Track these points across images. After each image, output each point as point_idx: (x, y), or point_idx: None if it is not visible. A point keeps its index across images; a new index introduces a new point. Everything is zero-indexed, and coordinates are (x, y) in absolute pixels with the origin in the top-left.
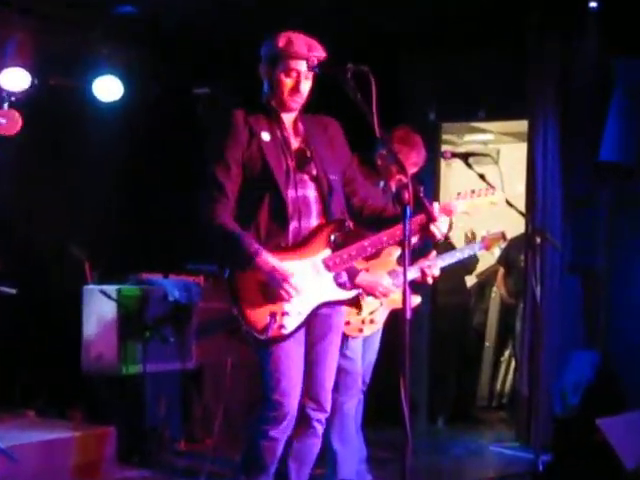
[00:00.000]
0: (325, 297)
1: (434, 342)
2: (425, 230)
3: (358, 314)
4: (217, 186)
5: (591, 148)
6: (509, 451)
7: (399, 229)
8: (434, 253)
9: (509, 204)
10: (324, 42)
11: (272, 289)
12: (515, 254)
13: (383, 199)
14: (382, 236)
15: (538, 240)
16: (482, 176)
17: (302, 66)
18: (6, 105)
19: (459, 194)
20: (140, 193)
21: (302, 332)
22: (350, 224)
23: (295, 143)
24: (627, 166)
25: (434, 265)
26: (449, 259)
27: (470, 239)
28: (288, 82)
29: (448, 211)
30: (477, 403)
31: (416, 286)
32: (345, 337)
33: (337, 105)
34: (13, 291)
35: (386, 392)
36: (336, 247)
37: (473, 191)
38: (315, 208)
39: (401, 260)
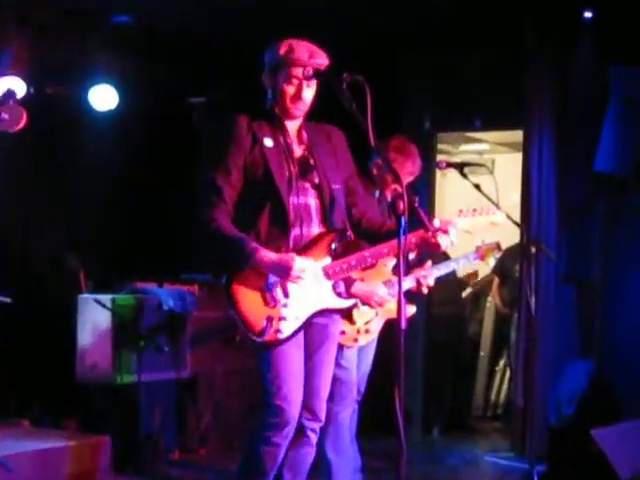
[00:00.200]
0: (322, 304)
1: (429, 352)
2: (427, 244)
3: (353, 324)
4: (215, 190)
5: (587, 158)
6: (504, 461)
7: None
8: (429, 263)
9: (504, 215)
10: (324, 46)
11: (268, 293)
12: (510, 264)
13: (379, 208)
14: (383, 248)
15: (533, 250)
16: (477, 186)
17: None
18: (11, 101)
19: (461, 211)
20: (135, 202)
21: (302, 337)
22: (351, 234)
23: (298, 151)
24: (622, 177)
25: (429, 275)
26: (444, 269)
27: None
28: (290, 90)
29: (452, 225)
30: (472, 413)
31: (411, 296)
32: (340, 347)
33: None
34: (8, 300)
35: (381, 402)
36: (336, 256)
37: (475, 210)
38: (316, 216)
39: (396, 270)
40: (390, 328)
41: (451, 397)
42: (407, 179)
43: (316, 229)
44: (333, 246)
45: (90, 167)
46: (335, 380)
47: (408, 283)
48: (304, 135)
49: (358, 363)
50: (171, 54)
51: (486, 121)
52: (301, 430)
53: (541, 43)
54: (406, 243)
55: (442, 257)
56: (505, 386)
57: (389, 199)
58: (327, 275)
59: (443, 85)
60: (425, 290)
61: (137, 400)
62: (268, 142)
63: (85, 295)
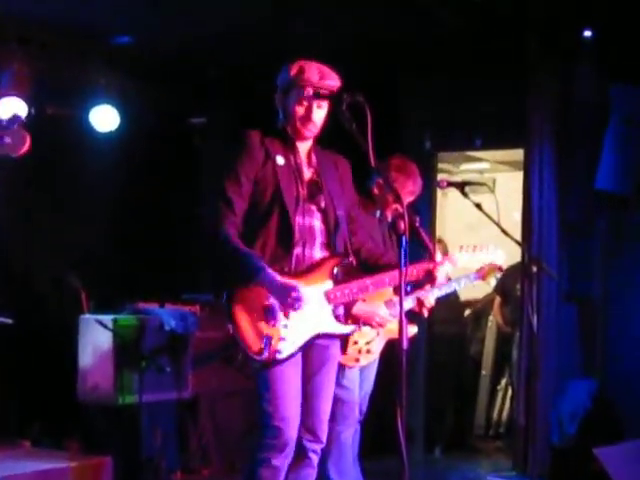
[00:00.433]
0: (321, 328)
1: (431, 371)
2: (429, 277)
3: (355, 344)
4: (226, 201)
5: (587, 176)
6: None
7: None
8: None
9: (505, 233)
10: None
11: (269, 313)
12: (511, 283)
13: (380, 228)
14: (384, 277)
15: (534, 269)
16: (478, 205)
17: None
18: (16, 126)
19: (461, 247)
20: (137, 222)
21: (299, 358)
22: (353, 260)
23: (307, 173)
24: (622, 195)
25: (430, 294)
26: (445, 289)
27: None
28: (300, 110)
29: (451, 261)
30: (474, 432)
31: (413, 316)
32: (342, 367)
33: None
34: (9, 321)
35: (383, 421)
36: (338, 281)
37: (475, 246)
38: (319, 239)
39: (398, 290)
40: (391, 348)
41: (453, 416)
42: (408, 199)
43: (318, 251)
44: (335, 271)
45: (91, 187)
46: (337, 400)
47: (409, 303)
48: (313, 158)
49: (360, 383)
50: (172, 75)
51: (486, 140)
52: (302, 451)
53: (541, 62)
54: (408, 274)
55: None
56: (507, 405)
57: (389, 219)
58: (328, 299)
59: (443, 104)
60: (426, 313)
61: (138, 421)
62: (280, 160)
63: (86, 316)
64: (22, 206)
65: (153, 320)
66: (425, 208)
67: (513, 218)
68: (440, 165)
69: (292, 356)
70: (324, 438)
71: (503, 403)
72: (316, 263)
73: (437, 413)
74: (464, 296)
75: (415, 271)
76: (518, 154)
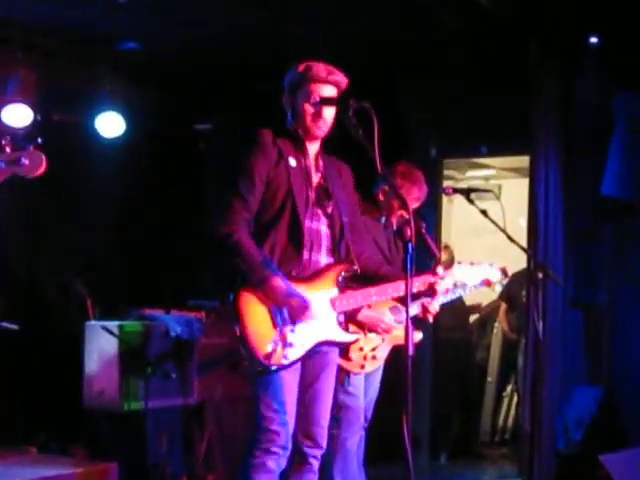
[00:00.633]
0: (326, 335)
1: (436, 378)
2: (430, 290)
3: (360, 350)
4: (239, 199)
5: (593, 183)
6: None
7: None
8: None
9: (511, 240)
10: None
11: (277, 316)
12: (517, 289)
13: (384, 235)
14: (388, 287)
15: (540, 275)
16: (484, 212)
17: (323, 91)
18: (32, 147)
19: (459, 262)
20: (142, 229)
21: (299, 364)
22: (358, 267)
23: (315, 177)
24: (628, 201)
25: (436, 301)
26: (451, 295)
27: None
28: (309, 108)
29: (452, 276)
30: (480, 439)
31: (418, 322)
32: (347, 373)
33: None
34: (15, 327)
35: (388, 428)
36: (342, 288)
37: (472, 263)
38: (325, 244)
39: (402, 297)
40: (397, 354)
41: (459, 423)
42: (413, 205)
43: (323, 256)
44: (341, 278)
45: (97, 193)
46: (342, 406)
47: (414, 309)
48: (321, 163)
49: (365, 389)
50: (177, 81)
51: (492, 147)
52: (303, 457)
53: (547, 68)
54: (411, 286)
55: None
56: (513, 412)
57: (395, 225)
58: (333, 306)
59: (449, 111)
60: (430, 319)
61: (144, 427)
62: (292, 161)
63: (92, 322)
64: (28, 212)
65: (159, 326)
66: (431, 215)
67: (519, 224)
68: (446, 172)
69: (295, 362)
70: (324, 444)
71: (509, 410)
72: (321, 269)
73: (442, 419)
74: (469, 301)
75: (417, 283)
76: (524, 161)
